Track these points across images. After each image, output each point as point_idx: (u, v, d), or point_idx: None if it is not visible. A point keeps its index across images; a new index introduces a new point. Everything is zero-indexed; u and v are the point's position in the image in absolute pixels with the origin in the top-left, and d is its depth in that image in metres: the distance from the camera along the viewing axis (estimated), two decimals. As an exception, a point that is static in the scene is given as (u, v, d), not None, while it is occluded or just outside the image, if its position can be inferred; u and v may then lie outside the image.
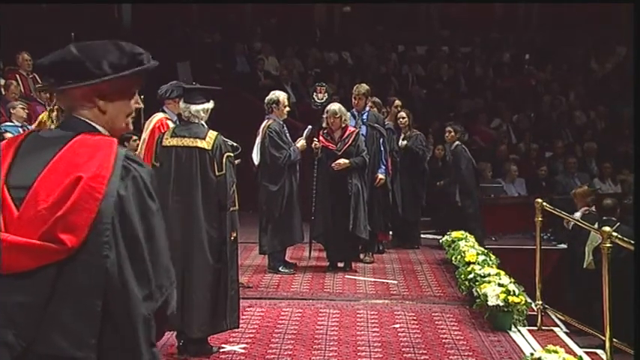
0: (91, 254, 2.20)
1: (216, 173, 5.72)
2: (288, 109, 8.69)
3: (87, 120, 2.37)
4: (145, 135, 7.59)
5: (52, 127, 7.34)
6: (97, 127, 2.37)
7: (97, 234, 2.20)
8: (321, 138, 8.97)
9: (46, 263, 2.18)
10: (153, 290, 2.26)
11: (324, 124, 9.02)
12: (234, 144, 6.57)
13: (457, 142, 11.25)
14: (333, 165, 8.79)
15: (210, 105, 5.98)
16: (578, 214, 9.63)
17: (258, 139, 8.62)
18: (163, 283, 2.30)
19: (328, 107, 9.01)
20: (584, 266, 9.17)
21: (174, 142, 5.83)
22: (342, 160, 8.79)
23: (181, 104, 6.01)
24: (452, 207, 11.05)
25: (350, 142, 8.88)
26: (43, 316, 2.18)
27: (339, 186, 8.82)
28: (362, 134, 9.27)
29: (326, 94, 9.30)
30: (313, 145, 8.94)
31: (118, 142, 2.35)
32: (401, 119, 10.82)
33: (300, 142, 8.69)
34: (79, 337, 2.19)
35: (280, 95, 8.71)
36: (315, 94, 9.36)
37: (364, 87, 9.79)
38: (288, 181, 8.60)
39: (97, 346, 2.19)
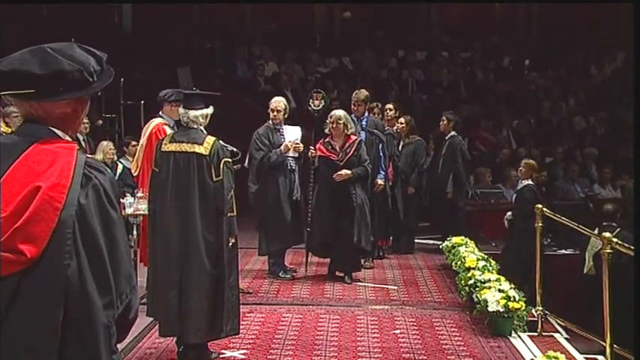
0: (51, 264, 2.16)
1: (214, 179, 5.71)
2: (275, 113, 8.57)
3: (47, 125, 2.28)
4: (142, 140, 7.59)
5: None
6: (58, 132, 2.29)
7: (58, 243, 2.16)
8: (321, 147, 8.68)
9: (6, 274, 2.13)
10: (113, 298, 2.24)
11: (326, 131, 8.78)
12: (234, 149, 6.55)
13: (453, 133, 11.13)
14: (334, 176, 8.50)
15: (209, 111, 5.96)
16: (520, 185, 9.79)
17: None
18: (124, 290, 2.28)
19: (332, 112, 8.83)
20: (585, 272, 9.15)
21: (173, 147, 5.83)
22: (344, 172, 8.49)
23: (180, 110, 6.00)
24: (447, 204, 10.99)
25: (352, 152, 8.60)
26: (0, 327, 2.15)
27: (342, 197, 8.55)
28: (361, 139, 9.20)
29: (322, 101, 9.15)
30: (310, 153, 8.71)
31: (77, 147, 2.28)
32: (399, 125, 10.75)
33: (284, 144, 8.54)
34: (40, 346, 2.16)
35: (272, 101, 8.75)
36: (311, 100, 9.24)
37: (364, 93, 9.73)
38: (272, 183, 8.53)
39: (59, 353, 2.16)
